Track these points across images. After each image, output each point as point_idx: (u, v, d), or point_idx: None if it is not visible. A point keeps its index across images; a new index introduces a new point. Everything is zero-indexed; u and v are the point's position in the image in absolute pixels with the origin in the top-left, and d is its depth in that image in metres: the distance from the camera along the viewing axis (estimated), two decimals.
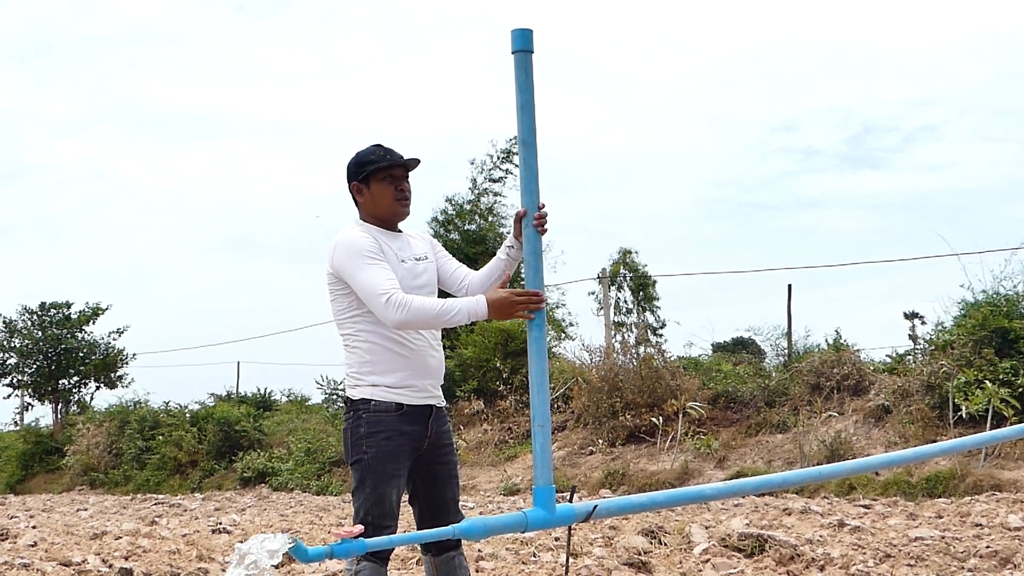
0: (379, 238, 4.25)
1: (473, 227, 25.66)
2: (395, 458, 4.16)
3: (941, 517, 9.65)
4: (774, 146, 51.31)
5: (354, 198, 4.40)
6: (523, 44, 3.36)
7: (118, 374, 32.94)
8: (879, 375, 16.10)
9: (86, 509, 17.47)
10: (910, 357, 16.95)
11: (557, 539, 8.33)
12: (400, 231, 4.43)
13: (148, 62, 52.86)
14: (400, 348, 4.21)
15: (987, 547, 7.05)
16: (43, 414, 35.29)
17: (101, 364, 32.43)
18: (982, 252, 16.24)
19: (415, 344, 4.23)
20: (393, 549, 4.33)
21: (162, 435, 25.87)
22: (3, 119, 55.02)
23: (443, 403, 4.39)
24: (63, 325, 32.29)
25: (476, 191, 26.04)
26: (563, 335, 24.63)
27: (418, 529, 4.26)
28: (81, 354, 32.21)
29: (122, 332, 32.96)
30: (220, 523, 11.84)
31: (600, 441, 17.03)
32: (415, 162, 4.38)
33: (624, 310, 23.84)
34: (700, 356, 20.07)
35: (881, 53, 48.57)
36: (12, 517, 14.85)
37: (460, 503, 4.45)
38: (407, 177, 4.39)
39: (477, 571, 7.10)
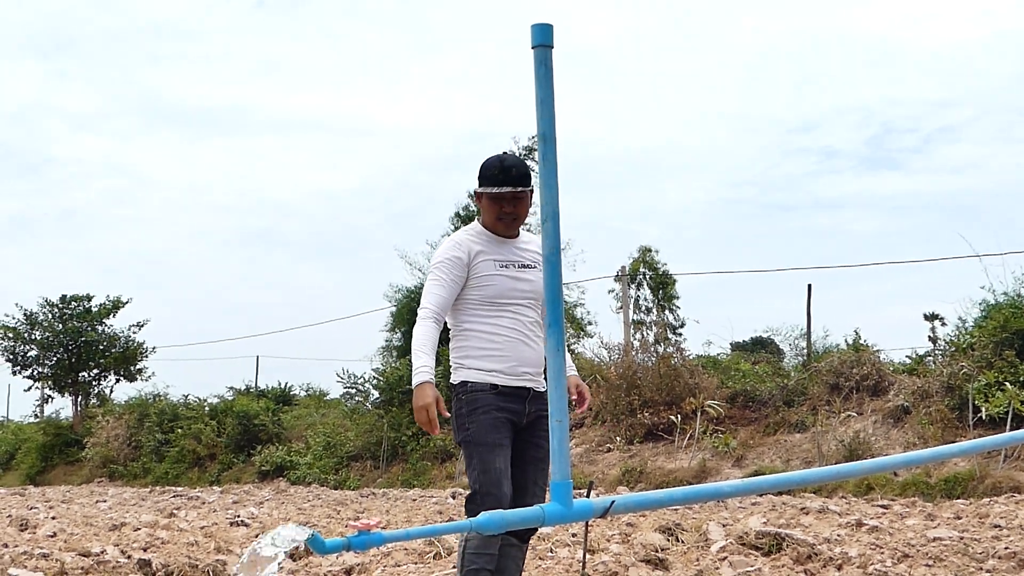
0: (478, 244, 4.57)
1: None
2: (496, 429, 4.42)
3: (960, 518, 9.61)
4: (793, 146, 51.14)
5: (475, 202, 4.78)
6: (543, 39, 3.36)
7: (138, 367, 33.08)
8: (898, 376, 16.05)
9: (105, 501, 17.57)
10: (930, 358, 16.89)
11: (574, 535, 8.33)
12: (513, 236, 4.68)
13: (168, 57, 53.10)
14: (492, 338, 4.51)
15: (1006, 548, 7.02)
16: (63, 406, 35.53)
17: (121, 357, 32.57)
18: (1003, 253, 16.18)
19: (509, 335, 4.51)
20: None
21: (181, 428, 26.00)
22: (25, 113, 55.42)
23: (543, 387, 4.55)
24: (83, 318, 32.44)
25: None
26: (582, 333, 24.62)
27: None
28: (101, 347, 32.36)
29: (142, 325, 33.16)
30: (238, 516, 11.88)
31: (618, 438, 17.03)
32: (521, 192, 4.55)
33: (643, 308, 23.81)
34: (719, 355, 20.08)
35: (901, 53, 48.38)
36: (32, 508, 14.94)
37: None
38: (519, 200, 4.57)
39: None
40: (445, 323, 4.57)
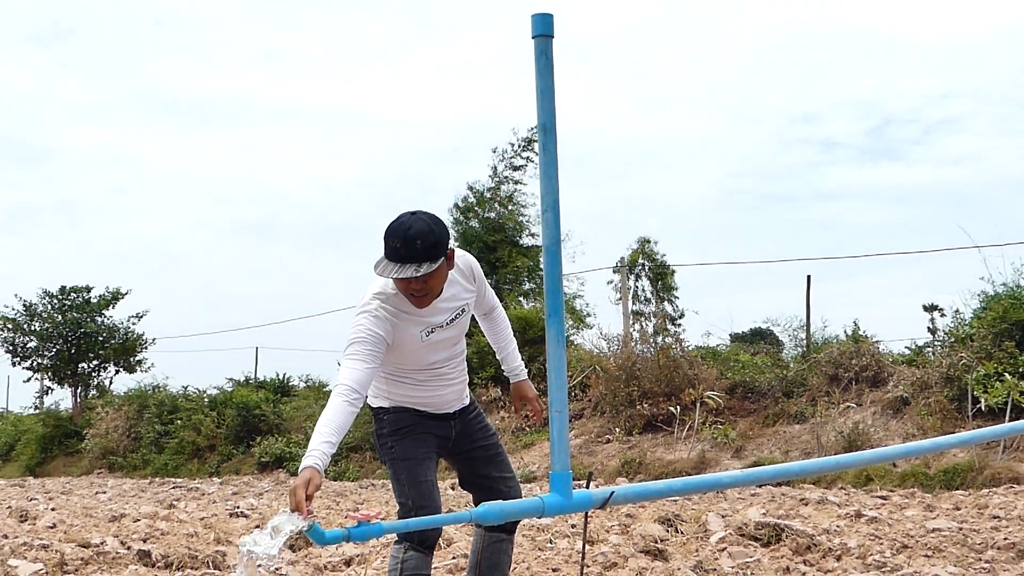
0: (399, 318, 4.09)
1: (492, 215, 25.68)
2: (423, 443, 4.31)
3: (959, 509, 9.62)
4: (794, 137, 51.03)
5: None
6: (543, 29, 3.36)
7: (137, 358, 33.05)
8: (898, 367, 16.04)
9: (105, 492, 17.59)
10: (929, 349, 16.89)
11: (574, 526, 8.34)
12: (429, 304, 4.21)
13: (169, 46, 53.01)
14: (412, 388, 4.33)
15: (1005, 539, 7.03)
16: (63, 397, 35.48)
17: (120, 348, 32.54)
18: (1003, 245, 16.21)
19: (430, 385, 4.34)
20: (437, 536, 4.42)
21: (180, 419, 25.99)
22: (25, 103, 55.32)
23: (467, 402, 4.50)
24: (83, 309, 32.40)
25: (496, 179, 26.06)
26: (581, 324, 24.65)
27: None
28: (101, 338, 32.32)
29: (141, 316, 33.10)
30: (238, 507, 11.90)
31: (617, 430, 17.03)
32: (411, 278, 3.94)
33: (643, 299, 23.84)
34: (718, 346, 20.06)
35: (903, 44, 48.29)
36: (32, 499, 14.96)
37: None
38: (429, 275, 3.96)
39: None
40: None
